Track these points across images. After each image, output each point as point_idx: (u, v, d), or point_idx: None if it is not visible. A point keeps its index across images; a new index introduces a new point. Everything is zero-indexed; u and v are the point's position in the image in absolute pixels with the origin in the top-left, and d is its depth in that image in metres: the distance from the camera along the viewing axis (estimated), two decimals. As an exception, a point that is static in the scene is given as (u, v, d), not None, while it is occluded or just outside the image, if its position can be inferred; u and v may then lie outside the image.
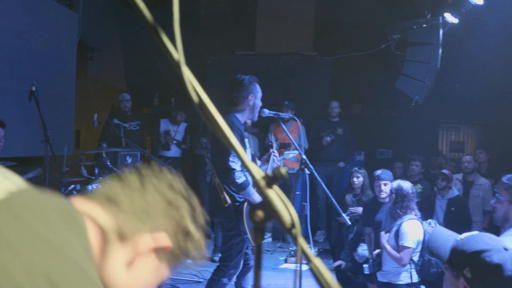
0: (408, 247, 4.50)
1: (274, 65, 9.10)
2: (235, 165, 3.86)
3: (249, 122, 6.57)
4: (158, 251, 1.05)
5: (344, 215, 4.59)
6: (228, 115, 4.07)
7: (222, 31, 9.84)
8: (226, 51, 9.61)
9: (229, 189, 4.00)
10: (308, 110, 8.64)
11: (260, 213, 0.83)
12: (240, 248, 4.07)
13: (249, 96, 4.10)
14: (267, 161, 4.36)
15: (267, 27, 9.55)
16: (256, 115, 4.22)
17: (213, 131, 0.84)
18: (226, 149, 3.81)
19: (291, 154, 6.36)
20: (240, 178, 3.87)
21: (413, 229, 4.55)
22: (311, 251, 0.86)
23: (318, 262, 0.84)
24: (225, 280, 4.15)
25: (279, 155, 4.95)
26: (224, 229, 4.24)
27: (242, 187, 3.89)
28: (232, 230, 4.05)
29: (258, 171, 0.84)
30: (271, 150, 4.42)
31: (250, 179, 3.82)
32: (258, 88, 4.17)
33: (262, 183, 0.83)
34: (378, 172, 5.63)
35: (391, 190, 4.80)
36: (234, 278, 4.31)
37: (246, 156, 0.85)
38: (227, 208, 4.00)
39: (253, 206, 0.84)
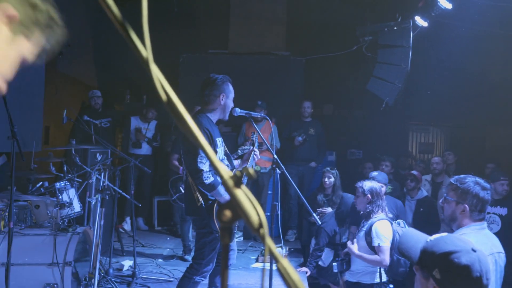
0: (386, 246, 4.57)
1: (247, 64, 9.10)
2: (203, 165, 3.83)
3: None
4: (7, 22, 1.07)
5: (314, 214, 4.62)
6: (198, 115, 4.06)
7: (195, 29, 9.80)
8: (199, 49, 9.58)
9: (201, 188, 4.00)
10: (280, 109, 8.67)
11: (227, 213, 0.83)
12: (213, 246, 4.06)
13: (220, 96, 4.09)
14: (247, 160, 4.37)
15: (240, 26, 9.56)
16: (227, 115, 4.20)
17: (182, 130, 0.83)
18: (194, 149, 3.81)
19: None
20: (208, 178, 3.85)
21: (385, 229, 4.62)
22: (279, 251, 0.86)
23: (285, 263, 0.84)
24: (197, 278, 4.13)
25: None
26: (197, 227, 4.25)
27: (211, 187, 3.88)
28: (205, 228, 4.04)
29: (226, 171, 0.84)
30: (251, 147, 4.42)
31: (219, 179, 3.80)
32: (230, 88, 4.17)
33: (230, 182, 0.82)
34: (374, 173, 5.64)
35: (363, 192, 4.85)
36: (207, 277, 4.29)
37: (216, 155, 0.85)
38: (200, 207, 4.00)
39: (221, 206, 0.84)
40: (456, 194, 2.83)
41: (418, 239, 2.01)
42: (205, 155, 0.84)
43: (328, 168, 6.97)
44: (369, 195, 4.78)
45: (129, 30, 0.80)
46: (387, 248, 4.58)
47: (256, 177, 7.66)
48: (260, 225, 0.83)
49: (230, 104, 4.16)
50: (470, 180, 2.83)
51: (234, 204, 0.83)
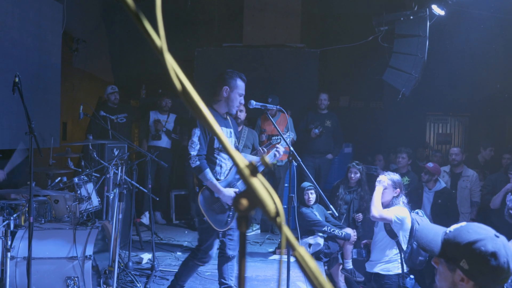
0: (388, 217, 4.64)
1: (262, 57, 9.08)
2: (192, 150, 3.99)
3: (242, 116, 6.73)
4: None
5: (331, 206, 4.62)
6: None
7: (210, 22, 9.80)
8: (214, 43, 9.58)
9: (192, 171, 4.17)
10: (296, 101, 8.64)
11: (244, 202, 0.83)
12: (209, 232, 4.17)
13: (223, 88, 4.19)
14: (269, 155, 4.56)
15: (254, 19, 9.53)
16: (234, 109, 4.29)
17: (196, 118, 0.83)
18: (189, 135, 4.03)
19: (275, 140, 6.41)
20: (194, 163, 3.99)
21: (397, 209, 4.66)
22: (295, 240, 0.85)
23: (302, 250, 0.84)
24: (194, 261, 4.27)
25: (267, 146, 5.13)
26: (196, 214, 4.48)
27: (197, 170, 4.01)
28: (199, 215, 4.18)
29: (241, 160, 0.83)
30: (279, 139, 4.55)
31: (205, 165, 4.00)
32: (238, 83, 4.23)
33: (246, 171, 0.82)
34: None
35: (393, 185, 4.88)
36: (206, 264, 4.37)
37: (230, 143, 0.84)
38: (196, 193, 4.19)
39: (238, 195, 0.84)
40: None
41: (436, 232, 1.97)
42: (220, 142, 0.83)
43: (354, 164, 6.70)
44: (398, 189, 4.84)
45: (143, 20, 0.79)
46: (387, 218, 4.70)
47: (273, 168, 7.65)
48: (277, 214, 0.83)
49: (235, 98, 4.23)
50: None
51: (250, 192, 0.82)
